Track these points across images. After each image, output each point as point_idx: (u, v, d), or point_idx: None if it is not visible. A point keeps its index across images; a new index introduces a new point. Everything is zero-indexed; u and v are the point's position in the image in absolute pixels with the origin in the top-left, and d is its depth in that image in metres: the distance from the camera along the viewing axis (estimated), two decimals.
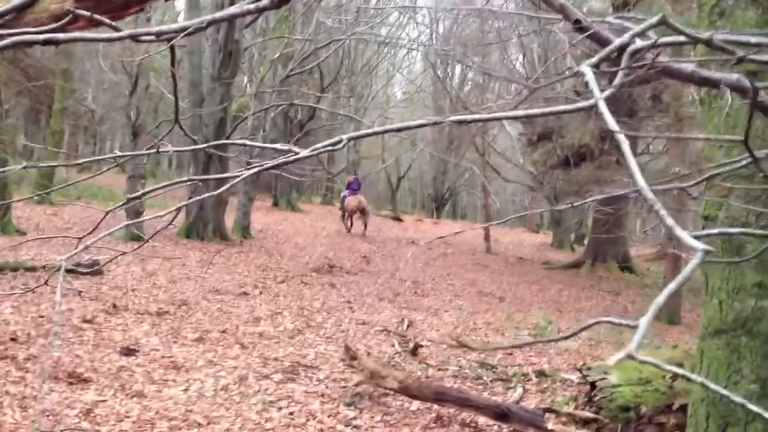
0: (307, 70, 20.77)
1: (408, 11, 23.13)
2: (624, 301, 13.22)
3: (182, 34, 1.43)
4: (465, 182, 36.51)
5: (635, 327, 0.81)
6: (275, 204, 26.65)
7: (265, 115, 17.83)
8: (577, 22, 1.58)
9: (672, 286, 0.84)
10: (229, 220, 15.97)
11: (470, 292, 12.31)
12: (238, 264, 11.85)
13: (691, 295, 11.60)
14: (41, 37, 1.38)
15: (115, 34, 1.39)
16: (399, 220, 28.90)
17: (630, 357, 0.78)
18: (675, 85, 11.84)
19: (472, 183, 34.40)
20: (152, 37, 1.50)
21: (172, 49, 1.56)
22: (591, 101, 0.98)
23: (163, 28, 1.46)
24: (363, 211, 19.17)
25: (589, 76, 1.00)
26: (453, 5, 24.07)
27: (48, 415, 4.34)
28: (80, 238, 1.75)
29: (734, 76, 1.37)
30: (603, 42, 1.51)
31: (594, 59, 1.11)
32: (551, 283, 14.67)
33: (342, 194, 20.40)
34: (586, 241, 22.78)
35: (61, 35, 1.39)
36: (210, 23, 1.53)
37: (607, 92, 0.98)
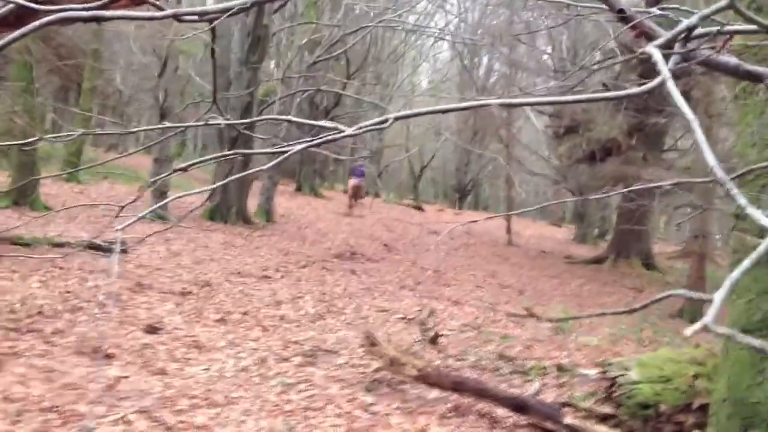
0: (334, 56, 20.76)
1: (437, 0, 23.01)
2: (646, 297, 13.08)
3: (226, 15, 1.44)
4: (488, 173, 36.35)
5: (710, 300, 0.81)
6: (298, 189, 26.75)
7: (292, 101, 17.88)
8: (621, 11, 1.56)
9: (747, 263, 0.84)
10: (252, 203, 16.08)
11: (491, 283, 12.29)
12: (261, 247, 11.93)
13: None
14: (86, 14, 1.40)
15: (159, 13, 1.41)
16: (420, 209, 28.87)
17: (706, 329, 0.78)
18: (706, 81, 11.67)
19: (495, 174, 34.25)
20: (195, 17, 1.51)
21: (213, 30, 1.57)
22: (654, 82, 0.97)
23: (207, 8, 1.47)
24: (357, 194, 21.88)
25: (657, 56, 0.99)
26: None
27: (73, 388, 4.42)
28: (117, 215, 1.78)
29: None
30: (647, 33, 1.49)
31: (661, 39, 1.09)
32: (572, 278, 14.59)
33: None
34: (608, 237, 22.60)
35: (106, 12, 1.41)
36: (254, 4, 1.53)
37: (669, 70, 0.96)
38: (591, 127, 15.31)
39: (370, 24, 19.93)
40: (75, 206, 9.06)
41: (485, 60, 33.27)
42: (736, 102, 3.69)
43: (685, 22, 1.13)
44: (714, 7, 1.08)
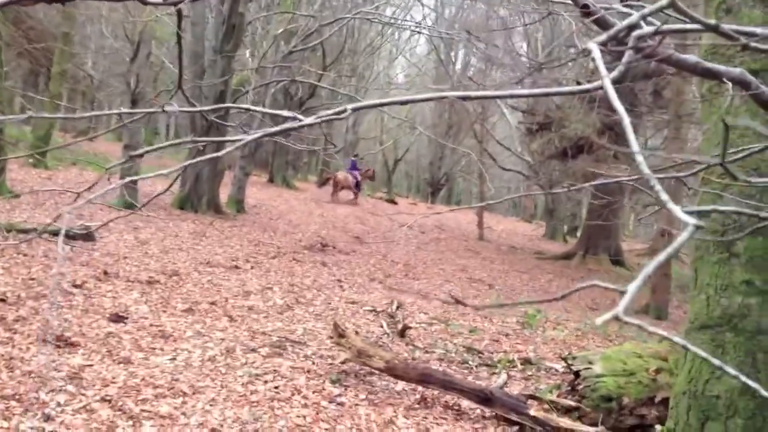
0: (310, 47, 20.62)
1: None
2: (613, 294, 13.25)
3: None
4: (461, 168, 36.48)
5: (624, 292, 0.82)
6: (271, 180, 26.60)
7: (266, 91, 17.75)
8: (585, 6, 1.58)
9: (661, 257, 0.85)
10: (224, 193, 15.95)
11: (460, 277, 12.35)
12: (231, 238, 11.84)
13: (678, 291, 11.68)
14: None
15: None
16: (394, 202, 28.90)
17: (617, 318, 0.79)
18: (677, 81, 11.84)
19: (468, 169, 34.39)
20: (159, 0, 1.48)
21: (179, 12, 1.54)
22: (597, 83, 0.98)
23: None
24: (349, 186, 23.65)
25: (596, 53, 1.00)
26: None
27: (33, 377, 4.36)
28: (78, 193, 1.74)
29: (737, 70, 1.37)
30: (610, 27, 1.50)
31: (601, 37, 1.10)
32: (542, 273, 14.73)
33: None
34: (578, 233, 22.85)
35: None
36: None
37: (614, 73, 0.98)
38: (564, 124, 15.45)
39: (347, 15, 19.84)
40: (40, 191, 8.91)
41: (461, 55, 33.34)
42: (703, 101, 3.75)
43: (626, 21, 1.15)
44: (655, 5, 1.10)
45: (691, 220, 0.84)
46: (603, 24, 1.56)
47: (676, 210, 0.86)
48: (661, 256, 0.86)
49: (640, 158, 0.91)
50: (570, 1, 1.74)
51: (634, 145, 0.91)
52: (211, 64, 14.42)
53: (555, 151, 17.89)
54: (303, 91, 24.62)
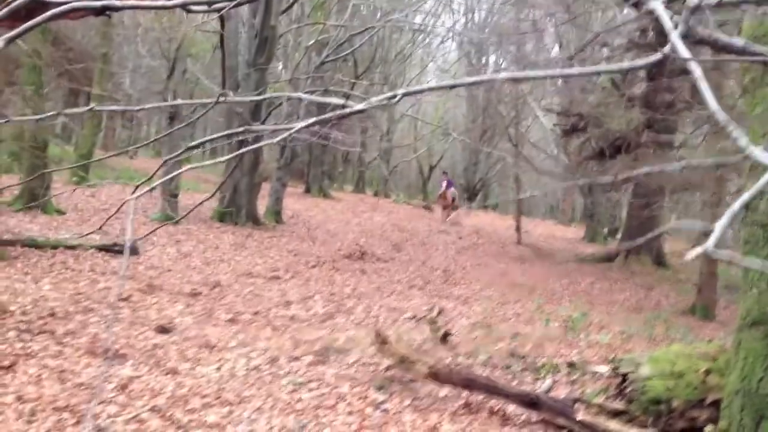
0: (341, 57, 20.79)
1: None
2: (657, 295, 13.04)
3: (233, 4, 1.45)
4: (497, 173, 36.23)
5: (711, 232, 0.81)
6: (307, 190, 26.79)
7: (300, 102, 17.90)
8: None
9: (747, 195, 0.83)
10: (262, 205, 16.12)
11: (500, 282, 12.25)
12: (270, 248, 11.95)
13: (726, 292, 11.39)
14: (97, 3, 1.41)
15: (169, 3, 1.42)
16: (429, 209, 28.81)
17: (707, 254, 0.78)
18: (716, 76, 11.59)
19: (504, 174, 34.15)
20: (204, 7, 1.51)
21: (221, 18, 1.57)
22: (665, 49, 0.95)
23: None
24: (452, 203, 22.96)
25: (660, 8, 0.98)
26: None
27: (85, 388, 4.45)
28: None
29: None
30: (649, 12, 1.48)
31: None
32: (582, 276, 14.53)
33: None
34: (618, 235, 22.50)
35: (116, 2, 1.41)
36: None
37: (680, 27, 0.95)
38: (601, 122, 15.24)
39: (378, 24, 19.95)
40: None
41: (492, 59, 33.22)
42: (745, 95, 3.68)
43: None
44: None
45: None
46: (641, 8, 1.53)
47: (758, 152, 0.84)
48: (746, 195, 0.84)
49: (714, 106, 0.89)
50: None
51: (710, 96, 0.89)
52: (245, 77, 14.61)
53: (592, 152, 17.65)
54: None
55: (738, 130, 0.86)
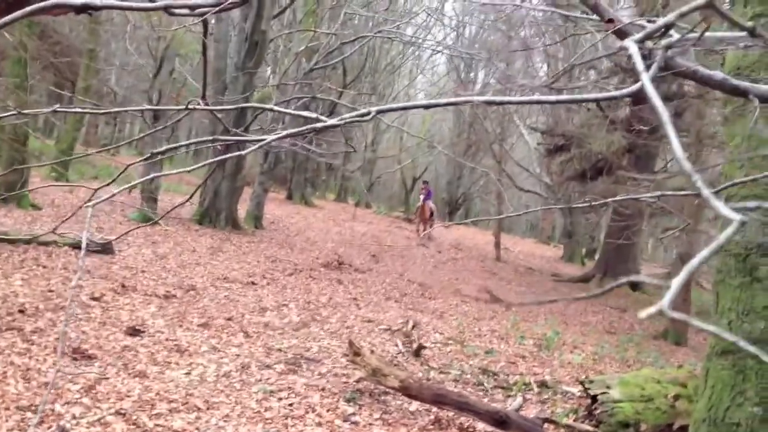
0: (330, 65, 20.79)
1: (436, 13, 23.14)
2: (631, 318, 13.13)
3: (216, 9, 1.43)
4: (480, 188, 36.41)
5: (668, 288, 0.81)
6: (289, 197, 26.72)
7: (287, 107, 17.86)
8: (610, 21, 1.57)
9: (706, 252, 0.83)
10: (242, 209, 16.04)
11: (477, 298, 12.27)
12: (248, 253, 11.88)
13: (698, 318, 11.49)
14: (78, 2, 1.39)
15: (150, 5, 1.40)
16: (411, 221, 28.84)
17: (661, 312, 0.78)
18: (698, 104, 11.76)
19: (486, 190, 34.32)
20: (186, 10, 1.50)
21: (204, 23, 1.56)
22: (636, 85, 0.96)
23: (198, 1, 1.46)
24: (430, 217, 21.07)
25: (633, 49, 0.98)
26: (481, 10, 23.99)
27: (50, 389, 4.37)
28: (96, 189, 1.75)
29: (765, 87, 1.35)
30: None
31: (639, 35, 1.08)
32: (558, 295, 14.60)
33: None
34: (596, 256, 22.66)
35: (97, 1, 1.39)
36: (245, 0, 1.53)
37: (651, 69, 0.96)
38: (584, 144, 15.38)
39: (369, 34, 20.00)
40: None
41: (481, 75, 33.44)
42: (726, 124, 3.72)
43: (663, 20, 1.13)
44: (692, 4, 1.07)
45: (736, 216, 0.82)
46: (627, 37, 1.55)
47: (719, 205, 0.84)
48: (707, 251, 0.84)
49: (680, 153, 0.89)
50: (595, 16, 1.73)
51: (676, 143, 0.89)
52: (233, 80, 14.57)
53: (574, 173, 17.82)
54: (323, 108, 24.79)
55: (701, 181, 0.86)
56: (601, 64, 16.37)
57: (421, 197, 21.54)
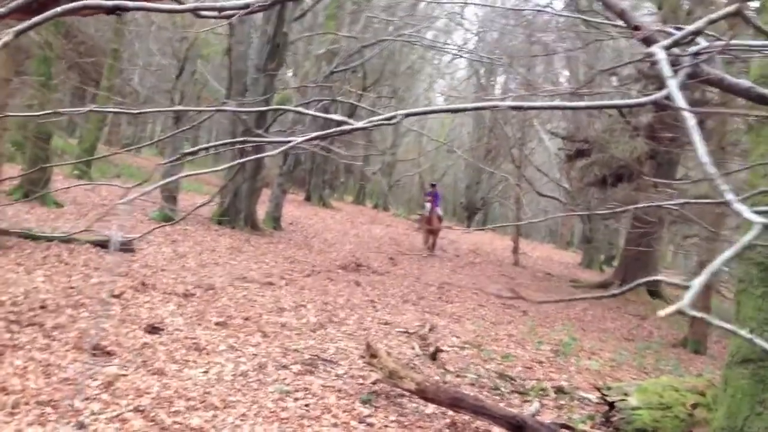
0: (351, 68, 20.87)
1: (457, 18, 23.12)
2: (650, 325, 13.01)
3: (243, 12, 1.45)
4: (498, 193, 36.31)
5: (688, 287, 0.81)
6: (308, 198, 26.83)
7: (307, 109, 17.93)
8: (636, 28, 1.57)
9: (728, 253, 0.83)
10: (261, 210, 16.13)
11: (494, 302, 12.22)
12: (267, 254, 11.94)
13: (718, 327, 11.35)
14: (109, 3, 1.41)
15: (179, 6, 1.42)
16: (417, 230, 28.86)
17: (681, 312, 0.78)
18: (722, 114, 11.62)
19: (505, 194, 34.21)
20: (215, 12, 1.52)
21: (231, 26, 1.58)
22: (663, 92, 0.96)
23: (226, 4, 1.48)
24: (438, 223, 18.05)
25: (661, 55, 0.98)
26: (503, 15, 23.94)
27: (69, 384, 4.43)
28: (129, 188, 1.78)
29: None
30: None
31: (666, 41, 1.08)
32: (576, 302, 14.50)
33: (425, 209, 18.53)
34: (615, 263, 22.49)
35: (128, 2, 1.42)
36: (273, 3, 1.55)
37: (679, 76, 0.96)
38: (605, 149, 15.28)
39: (389, 38, 20.04)
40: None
41: (501, 80, 33.35)
42: (750, 133, 3.69)
43: (691, 27, 1.13)
44: (722, 11, 1.06)
45: (759, 219, 0.82)
46: (653, 43, 1.54)
47: (743, 209, 0.84)
48: (729, 252, 0.84)
49: (705, 159, 0.89)
50: (618, 21, 1.72)
51: (701, 148, 0.89)
52: (254, 82, 14.66)
53: (594, 179, 17.69)
54: (343, 111, 24.87)
55: (725, 185, 0.86)
56: (622, 71, 16.26)
57: (427, 205, 17.84)
